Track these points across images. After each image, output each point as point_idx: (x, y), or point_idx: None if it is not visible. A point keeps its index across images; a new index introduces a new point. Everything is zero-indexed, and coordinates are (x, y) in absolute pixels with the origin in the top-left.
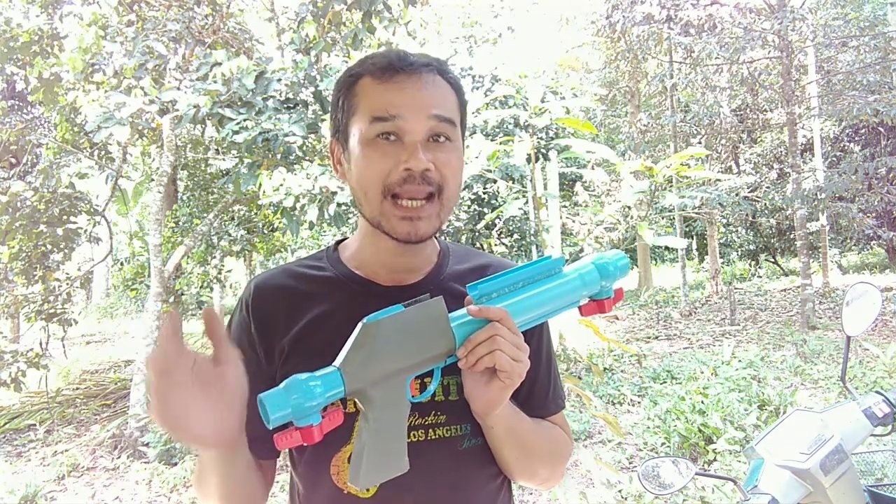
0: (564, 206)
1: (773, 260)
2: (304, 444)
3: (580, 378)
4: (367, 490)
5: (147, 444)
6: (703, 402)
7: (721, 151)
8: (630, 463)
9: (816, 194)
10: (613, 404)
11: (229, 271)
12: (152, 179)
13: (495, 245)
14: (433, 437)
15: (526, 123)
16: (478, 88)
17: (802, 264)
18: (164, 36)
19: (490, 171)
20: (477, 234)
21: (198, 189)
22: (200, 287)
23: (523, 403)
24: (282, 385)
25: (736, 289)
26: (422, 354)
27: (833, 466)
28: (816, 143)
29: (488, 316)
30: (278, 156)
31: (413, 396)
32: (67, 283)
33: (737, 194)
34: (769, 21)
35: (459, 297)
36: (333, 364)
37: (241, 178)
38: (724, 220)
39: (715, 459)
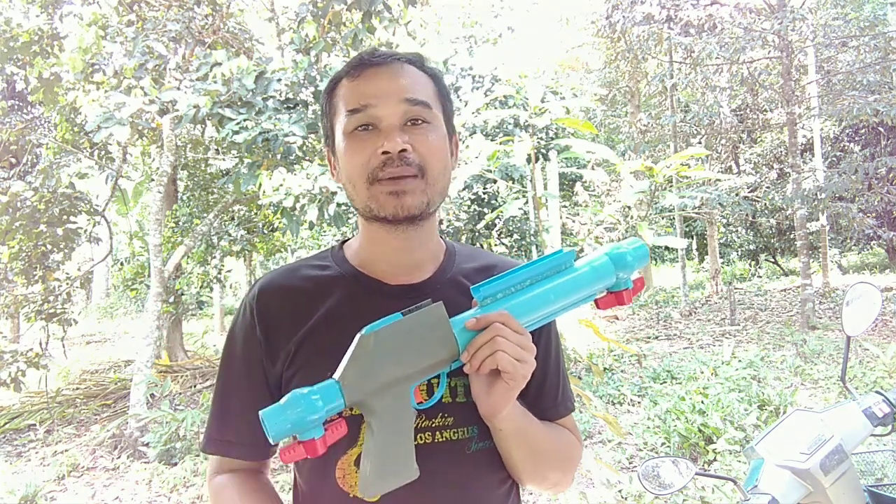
0: (564, 206)
1: (773, 260)
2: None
3: (580, 378)
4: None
5: (147, 444)
6: (703, 402)
7: (721, 151)
8: (630, 463)
9: (816, 194)
10: (613, 404)
11: (229, 271)
12: (152, 179)
13: (495, 245)
14: (440, 439)
15: (526, 123)
16: (478, 88)
17: (802, 264)
18: (164, 36)
19: (490, 171)
20: (477, 234)
21: (198, 189)
22: (200, 287)
23: (532, 406)
24: (282, 400)
25: (736, 289)
26: (423, 362)
27: (833, 466)
28: (816, 143)
29: (486, 323)
30: (278, 156)
31: (419, 403)
32: (67, 283)
33: (737, 194)
34: (769, 21)
35: (467, 292)
36: (332, 377)
37: (241, 178)
38: (724, 220)
39: (715, 459)
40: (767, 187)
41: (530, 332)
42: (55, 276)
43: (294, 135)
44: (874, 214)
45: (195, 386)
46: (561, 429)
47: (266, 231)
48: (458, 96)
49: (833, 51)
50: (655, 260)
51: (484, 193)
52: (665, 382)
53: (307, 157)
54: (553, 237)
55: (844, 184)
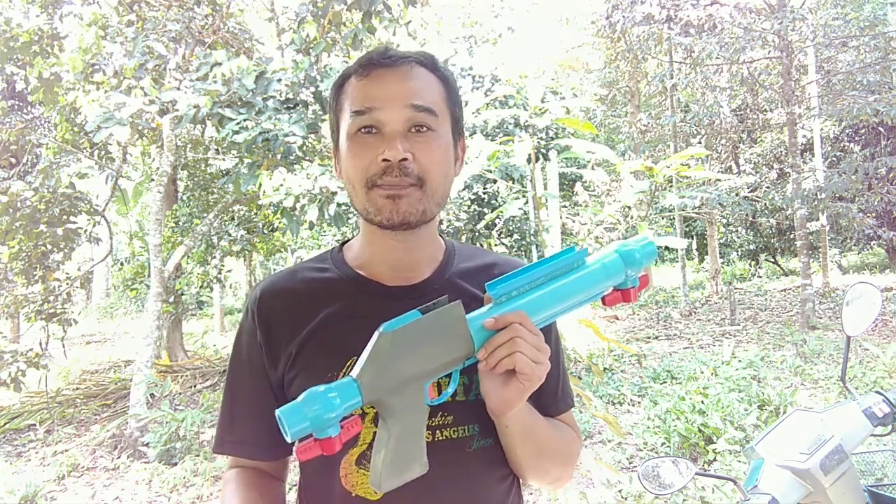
0: (564, 206)
1: (773, 260)
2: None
3: (580, 378)
4: (375, 492)
5: (147, 444)
6: (703, 402)
7: (721, 151)
8: (630, 463)
9: (816, 194)
10: (613, 404)
11: (229, 271)
12: (152, 179)
13: (495, 245)
14: (440, 437)
15: (526, 123)
16: (478, 88)
17: (802, 264)
18: (164, 36)
19: (490, 171)
20: (477, 234)
21: (198, 189)
22: (200, 287)
23: (532, 402)
24: (299, 398)
25: (736, 289)
26: (440, 360)
27: (833, 466)
28: (816, 143)
29: (504, 323)
30: (278, 156)
31: (431, 399)
32: (67, 283)
33: (737, 194)
34: (769, 21)
35: (465, 295)
36: (350, 375)
37: (241, 178)
38: (724, 220)
39: (715, 459)
40: (767, 187)
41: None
42: (55, 276)
43: (294, 135)
44: (874, 214)
45: (195, 386)
46: (562, 425)
47: (266, 231)
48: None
49: (833, 51)
50: (655, 260)
51: (484, 193)
52: (665, 382)
53: (307, 157)
54: (553, 237)
55: (844, 184)
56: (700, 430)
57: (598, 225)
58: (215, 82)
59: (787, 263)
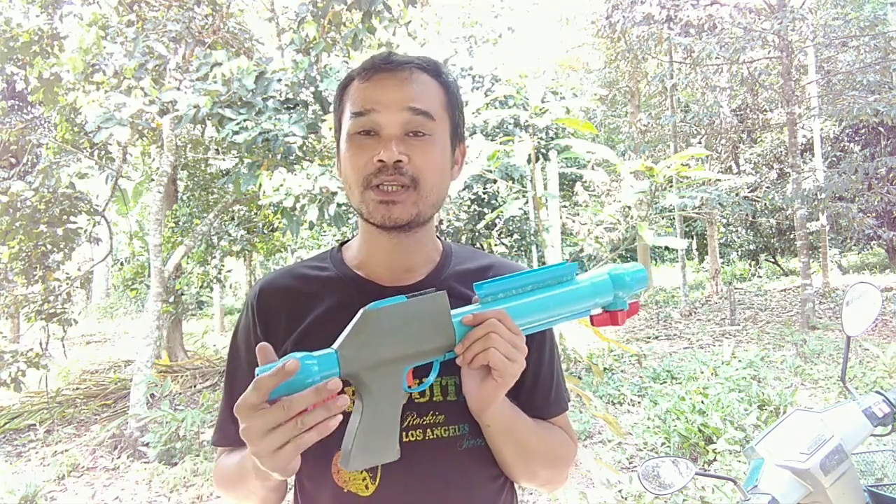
0: (564, 206)
1: (773, 260)
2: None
3: (580, 378)
4: (367, 488)
5: (147, 444)
6: (703, 402)
7: (721, 151)
8: (630, 463)
9: (816, 194)
10: (613, 404)
11: (229, 271)
12: (152, 179)
13: (495, 245)
14: (431, 436)
15: (526, 123)
16: (478, 88)
17: (802, 264)
18: (164, 36)
19: (490, 171)
20: (477, 234)
21: (198, 189)
22: (200, 287)
23: (525, 404)
24: (278, 361)
25: (736, 289)
26: (420, 346)
27: (833, 466)
28: (816, 143)
29: (483, 319)
30: (278, 156)
31: (410, 387)
32: (67, 283)
33: (737, 194)
34: (769, 21)
35: (460, 297)
36: (332, 347)
37: (241, 178)
38: (724, 220)
39: (715, 459)
40: (767, 187)
41: (525, 336)
42: (55, 276)
43: (294, 135)
44: (874, 214)
45: (195, 386)
46: (552, 427)
47: (266, 231)
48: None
49: (833, 51)
50: (655, 260)
51: (484, 193)
52: (665, 382)
53: (307, 158)
54: (553, 237)
55: (844, 184)
56: (700, 430)
57: (598, 225)
58: (215, 82)
59: (787, 263)
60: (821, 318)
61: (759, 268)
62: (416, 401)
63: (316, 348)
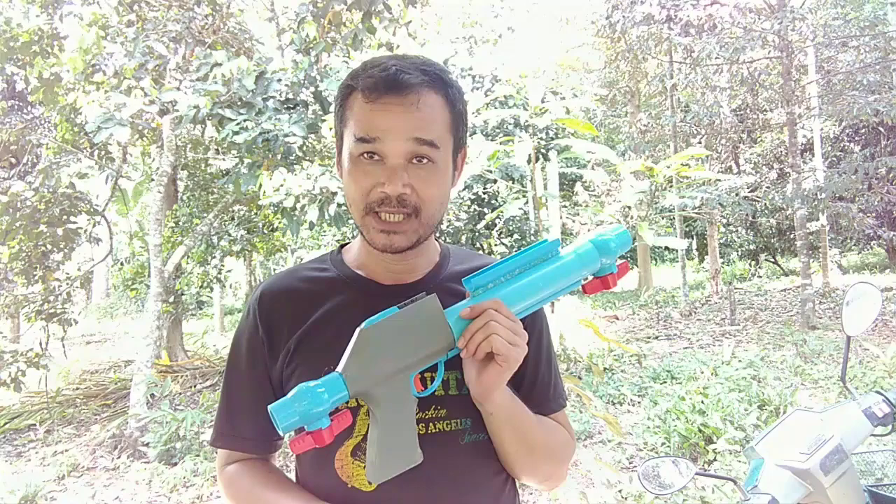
0: (564, 206)
1: (773, 260)
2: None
3: (580, 378)
4: (370, 484)
5: (147, 444)
6: (703, 402)
7: (721, 151)
8: (630, 463)
9: (816, 194)
10: (613, 404)
11: (229, 271)
12: (152, 179)
13: (495, 245)
14: (433, 430)
15: (526, 123)
16: (478, 88)
17: (802, 264)
18: (164, 36)
19: (490, 171)
20: (477, 234)
21: (198, 189)
22: (200, 287)
23: (525, 401)
24: (289, 394)
25: (736, 289)
26: (421, 351)
27: (833, 466)
28: (816, 143)
29: (480, 311)
30: (278, 156)
31: (419, 392)
32: (67, 283)
33: (737, 194)
34: (769, 21)
35: (458, 296)
36: (336, 370)
37: (241, 178)
38: (724, 220)
39: (715, 459)
40: (767, 187)
41: (528, 324)
42: (55, 276)
43: (294, 135)
44: (874, 214)
45: (195, 386)
46: (553, 423)
47: (266, 231)
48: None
49: (833, 51)
50: (655, 260)
51: (484, 193)
52: (665, 382)
53: (307, 158)
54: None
55: (844, 184)
56: (700, 430)
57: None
58: (215, 83)
59: (787, 263)
60: (821, 318)
61: (759, 268)
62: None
63: (318, 347)
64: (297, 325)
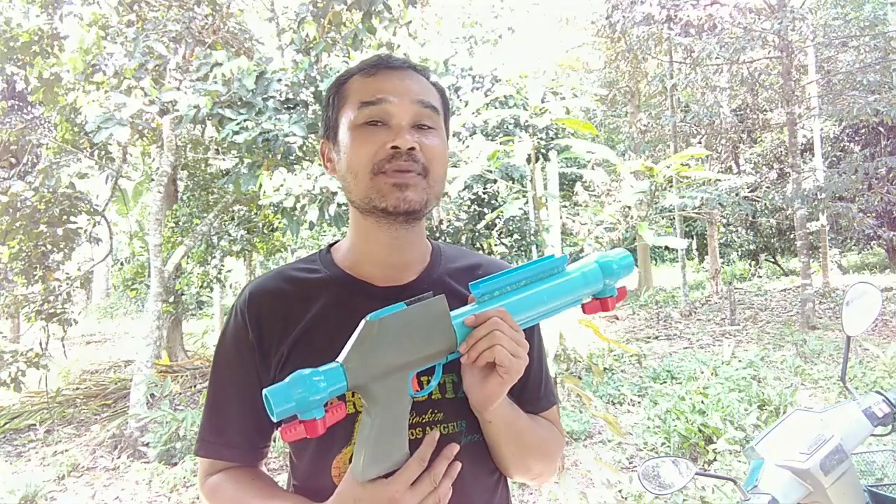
0: (564, 206)
1: (773, 260)
2: (309, 438)
3: (580, 378)
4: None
5: (147, 444)
6: (703, 402)
7: (721, 151)
8: (630, 463)
9: (816, 194)
10: (613, 404)
11: (229, 271)
12: (152, 179)
13: (495, 245)
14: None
15: (526, 123)
16: (478, 88)
17: (802, 264)
18: (164, 36)
19: (490, 171)
20: (477, 234)
21: (198, 189)
22: (200, 287)
23: (516, 399)
24: (286, 379)
25: (736, 289)
26: (423, 351)
27: (833, 466)
28: (816, 143)
29: (485, 319)
30: (278, 156)
31: (415, 392)
32: (67, 283)
33: (737, 194)
34: (769, 21)
35: (453, 294)
36: (336, 360)
37: (241, 178)
38: (724, 220)
39: (715, 459)
40: (767, 187)
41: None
42: (55, 276)
43: (294, 135)
44: (874, 214)
45: (195, 386)
46: (544, 421)
47: (266, 231)
48: (458, 96)
49: (833, 51)
50: (655, 260)
51: (484, 193)
52: (665, 382)
53: (307, 158)
54: (553, 237)
55: (844, 184)
56: (700, 430)
57: (598, 225)
58: (215, 83)
59: (787, 263)
60: (821, 318)
61: (759, 268)
62: (415, 399)
63: (313, 351)
64: (289, 329)
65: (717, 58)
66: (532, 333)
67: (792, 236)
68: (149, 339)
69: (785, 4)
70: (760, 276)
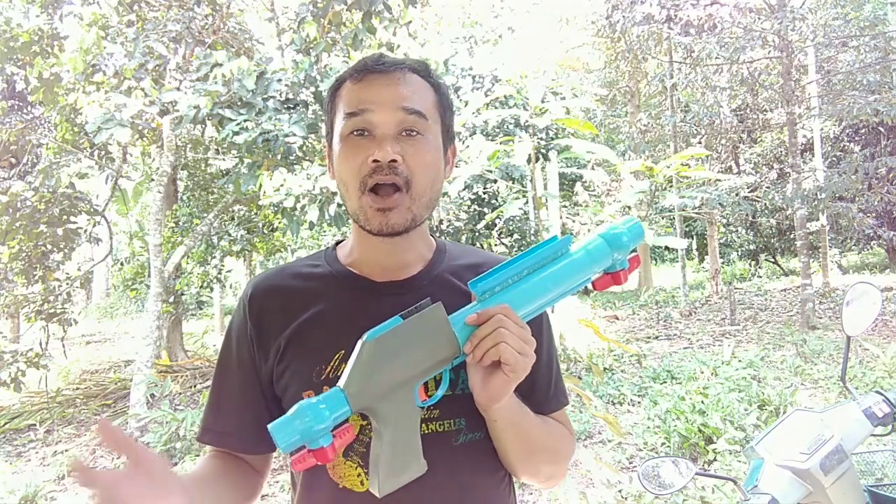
0: (564, 206)
1: (773, 260)
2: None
3: (580, 378)
4: (362, 484)
5: (147, 444)
6: (703, 402)
7: (721, 151)
8: (630, 463)
9: (816, 194)
10: (613, 404)
11: (229, 271)
12: (152, 179)
13: (495, 245)
14: (426, 431)
15: (526, 123)
16: (478, 88)
17: (802, 264)
18: (164, 36)
19: (490, 171)
20: (477, 234)
21: (198, 189)
22: (200, 287)
23: (524, 400)
24: (290, 412)
25: (736, 289)
26: (426, 362)
27: (833, 466)
28: (816, 143)
29: (488, 317)
30: (278, 156)
31: (422, 402)
32: (67, 283)
33: (737, 194)
34: (769, 21)
35: (454, 290)
36: (337, 385)
37: (241, 178)
38: (724, 220)
39: (715, 459)
40: (767, 187)
41: (528, 322)
42: (55, 276)
43: (294, 135)
44: (874, 214)
45: (195, 386)
46: (554, 422)
47: (266, 231)
48: (458, 96)
49: (833, 51)
50: (655, 260)
51: (484, 193)
52: (665, 382)
53: (307, 158)
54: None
55: (844, 184)
56: (700, 430)
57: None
58: (216, 83)
59: (787, 263)
60: (821, 318)
61: (759, 268)
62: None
63: (309, 344)
64: (288, 323)
65: (717, 58)
66: (542, 333)
67: (792, 236)
68: (149, 339)
69: (785, 4)
70: (760, 276)
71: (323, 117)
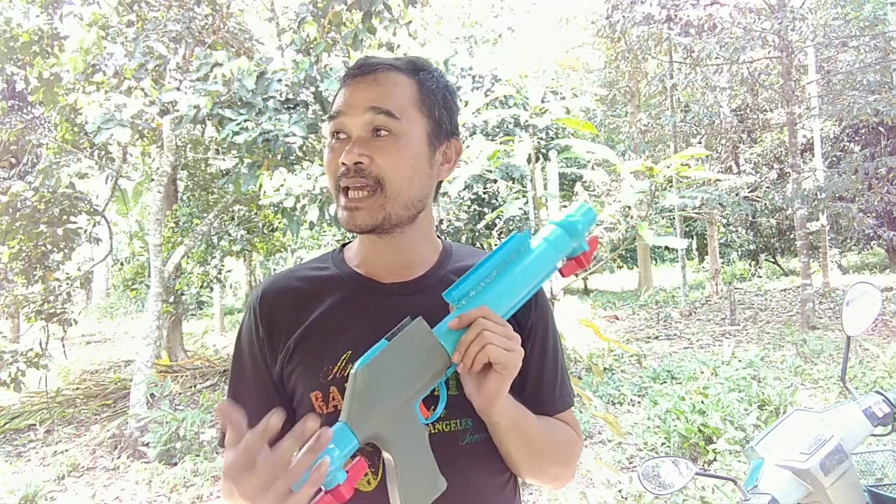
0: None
1: (773, 260)
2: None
3: (580, 378)
4: (369, 484)
5: (147, 444)
6: (703, 402)
7: (721, 151)
8: (630, 463)
9: (816, 194)
10: (613, 404)
11: (229, 271)
12: (152, 179)
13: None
14: (432, 431)
15: (526, 123)
16: (478, 88)
17: (802, 264)
18: (164, 36)
19: (490, 171)
20: (477, 234)
21: (198, 189)
22: (200, 287)
23: (530, 400)
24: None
25: (736, 289)
26: (420, 378)
27: (833, 466)
28: (816, 143)
29: (469, 320)
30: (278, 156)
31: (426, 418)
32: (67, 283)
33: (737, 194)
34: (769, 21)
35: None
36: (339, 420)
37: (241, 178)
38: (724, 220)
39: (715, 459)
40: (767, 187)
41: (514, 316)
42: (55, 276)
43: (294, 135)
44: (874, 214)
45: (195, 386)
46: (559, 423)
47: (266, 231)
48: (458, 96)
49: (833, 51)
50: (655, 260)
51: (484, 193)
52: (665, 382)
53: (308, 158)
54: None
55: (844, 184)
56: (700, 430)
57: (598, 225)
58: (216, 83)
59: (787, 263)
60: (821, 318)
61: (759, 268)
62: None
63: (317, 345)
64: (297, 324)
65: (717, 58)
66: (546, 334)
67: (792, 236)
68: (149, 339)
69: (785, 4)
70: (760, 276)
71: (324, 114)
